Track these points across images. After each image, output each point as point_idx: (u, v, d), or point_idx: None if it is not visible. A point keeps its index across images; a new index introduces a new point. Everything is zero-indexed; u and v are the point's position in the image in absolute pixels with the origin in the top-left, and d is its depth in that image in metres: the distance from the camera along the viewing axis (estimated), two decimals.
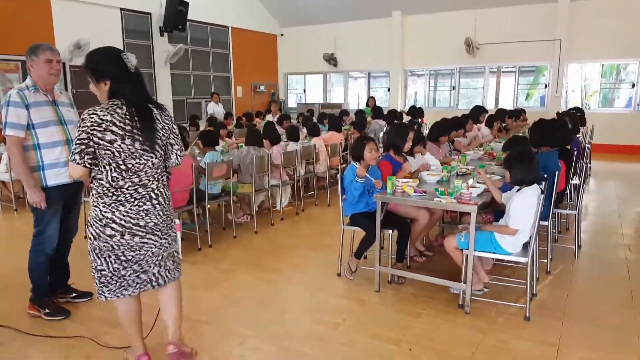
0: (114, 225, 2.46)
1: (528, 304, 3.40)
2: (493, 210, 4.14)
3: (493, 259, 3.98)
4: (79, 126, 2.36)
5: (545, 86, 13.48)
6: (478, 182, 3.86)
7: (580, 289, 3.98)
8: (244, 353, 3.02)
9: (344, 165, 7.67)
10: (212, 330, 3.33)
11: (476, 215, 3.37)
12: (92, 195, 2.48)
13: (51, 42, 9.67)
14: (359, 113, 10.40)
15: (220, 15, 13.84)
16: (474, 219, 3.35)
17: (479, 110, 7.74)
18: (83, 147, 2.34)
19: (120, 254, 2.51)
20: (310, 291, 3.96)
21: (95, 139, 2.34)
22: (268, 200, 6.24)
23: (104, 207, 2.45)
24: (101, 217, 2.45)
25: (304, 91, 17.17)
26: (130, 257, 2.54)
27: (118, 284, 2.58)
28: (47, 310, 3.45)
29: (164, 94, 12.31)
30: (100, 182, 2.44)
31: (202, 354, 3.00)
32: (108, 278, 2.55)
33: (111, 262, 2.53)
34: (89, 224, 2.53)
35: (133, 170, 2.45)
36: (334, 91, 16.67)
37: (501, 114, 8.55)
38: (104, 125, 2.34)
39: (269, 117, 10.92)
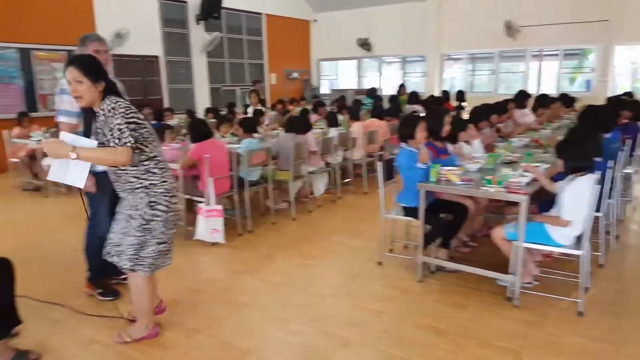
0: (175, 193, 2.81)
1: (582, 298, 3.28)
2: (538, 201, 3.99)
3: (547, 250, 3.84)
4: (114, 115, 2.49)
5: (592, 70, 12.95)
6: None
7: (636, 283, 3.81)
8: (285, 337, 3.04)
9: (382, 152, 7.58)
10: (254, 314, 3.36)
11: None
12: (151, 174, 2.67)
13: (92, 32, 9.93)
14: (393, 99, 10.25)
15: (254, 2, 13.84)
16: (524, 209, 3.24)
17: (522, 95, 7.48)
18: (128, 131, 2.51)
19: (172, 219, 2.83)
20: (349, 278, 3.95)
21: (135, 120, 2.57)
22: (305, 188, 6.23)
23: (168, 179, 2.74)
24: (169, 188, 2.74)
25: (337, 77, 17.02)
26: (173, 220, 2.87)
27: (168, 251, 2.88)
28: (100, 290, 3.57)
29: (201, 82, 12.44)
30: (155, 158, 2.69)
31: (245, 337, 3.04)
32: (167, 246, 2.84)
33: (169, 229, 2.81)
34: (153, 203, 2.68)
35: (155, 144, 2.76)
36: (366, 77, 16.47)
37: (545, 99, 8.21)
38: (133, 108, 2.60)
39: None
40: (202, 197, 4.63)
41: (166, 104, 11.46)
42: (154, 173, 2.69)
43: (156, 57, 11.37)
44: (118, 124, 2.49)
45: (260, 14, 14.24)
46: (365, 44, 15.26)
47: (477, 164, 4.20)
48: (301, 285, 3.85)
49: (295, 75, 15.75)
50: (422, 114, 9.01)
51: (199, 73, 12.39)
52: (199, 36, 12.17)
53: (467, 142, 4.86)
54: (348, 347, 2.91)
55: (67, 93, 3.16)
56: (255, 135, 5.79)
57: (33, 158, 7.24)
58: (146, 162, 2.66)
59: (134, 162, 2.60)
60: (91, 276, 3.60)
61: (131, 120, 2.54)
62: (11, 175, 7.76)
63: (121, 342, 2.94)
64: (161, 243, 2.78)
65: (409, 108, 9.17)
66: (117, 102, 2.54)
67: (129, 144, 2.51)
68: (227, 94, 13.41)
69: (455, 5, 13.84)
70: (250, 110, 9.06)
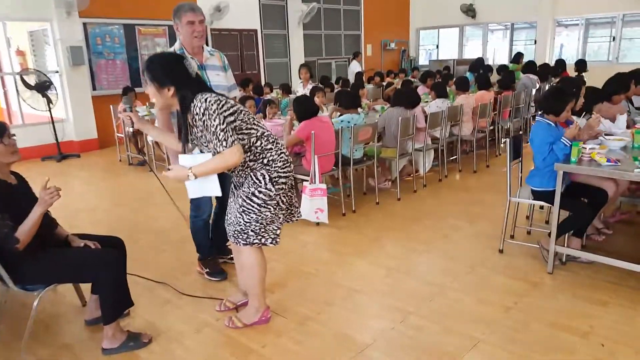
0: (290, 160, 2.70)
1: None
2: None
3: None
4: (210, 117, 2.32)
5: None
6: None
7: None
8: (406, 331, 2.79)
9: (492, 127, 7.00)
10: (368, 301, 3.16)
11: None
12: (267, 151, 2.56)
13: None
14: (503, 69, 9.43)
15: None
16: None
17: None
18: (230, 128, 2.37)
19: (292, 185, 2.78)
20: (469, 267, 3.60)
21: (230, 110, 2.41)
22: (410, 165, 5.89)
23: (283, 149, 2.63)
24: (287, 159, 2.63)
25: (437, 47, 16.15)
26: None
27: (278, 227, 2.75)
28: (207, 270, 3.54)
29: (297, 56, 12.32)
30: (264, 135, 2.57)
31: (361, 327, 2.84)
32: (289, 211, 2.80)
33: (290, 196, 2.77)
34: (276, 178, 2.57)
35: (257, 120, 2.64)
36: (467, 46, 15.45)
37: None
38: (223, 98, 2.43)
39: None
40: (306, 175, 4.48)
41: (263, 78, 11.51)
42: (270, 149, 2.56)
43: (254, 30, 11.39)
44: (218, 125, 2.33)
45: None
46: (469, 10, 14.26)
47: (620, 142, 3.64)
48: (416, 272, 3.59)
49: (392, 45, 15.15)
50: (538, 85, 8.30)
51: (295, 46, 12.28)
52: (295, 8, 11.99)
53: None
54: (477, 348, 2.60)
55: None
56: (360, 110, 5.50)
57: (139, 133, 7.47)
58: (258, 143, 2.53)
59: (246, 149, 2.49)
60: (201, 256, 3.58)
61: (227, 113, 2.37)
62: (117, 149, 8.07)
63: (233, 327, 2.85)
64: (284, 209, 2.73)
65: (523, 78, 8.35)
66: (207, 99, 2.33)
67: (236, 142, 2.37)
68: (323, 67, 13.22)
69: None
70: (299, 89, 7.89)
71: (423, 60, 15.85)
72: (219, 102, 2.36)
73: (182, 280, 3.52)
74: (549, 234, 3.53)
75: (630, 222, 4.35)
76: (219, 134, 2.34)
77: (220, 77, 3.29)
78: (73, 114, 8.59)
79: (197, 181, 2.50)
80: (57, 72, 8.43)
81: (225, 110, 2.37)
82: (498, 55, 14.80)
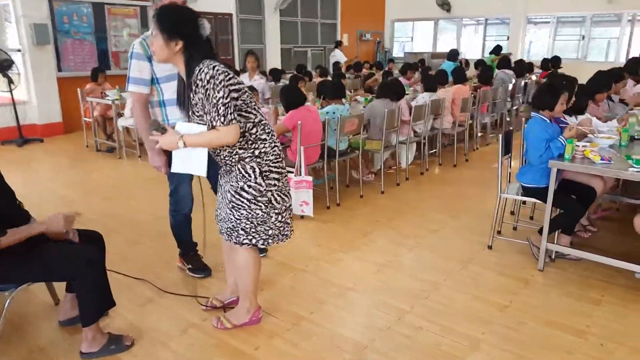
0: (283, 155, 2.52)
1: None
2: None
3: None
4: (215, 87, 2.12)
5: None
6: None
7: None
8: (403, 331, 2.70)
9: (471, 121, 6.99)
10: (361, 299, 3.05)
11: None
12: (261, 142, 2.36)
13: None
14: (481, 63, 9.47)
15: None
16: None
17: (637, 62, 6.58)
18: (232, 104, 2.19)
19: (287, 186, 2.56)
20: (460, 263, 3.55)
21: (236, 86, 2.24)
22: (392, 158, 5.82)
23: (277, 142, 2.44)
24: (279, 152, 2.45)
25: (412, 39, 16.15)
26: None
27: (287, 224, 2.58)
28: (189, 266, 3.35)
29: (273, 43, 12.05)
30: (261, 123, 2.37)
31: (357, 327, 2.73)
32: (287, 215, 2.57)
33: (285, 197, 2.54)
34: (267, 172, 2.39)
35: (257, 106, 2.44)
36: (440, 39, 15.50)
37: None
38: (230, 70, 2.23)
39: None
40: (290, 166, 4.32)
41: (237, 64, 11.21)
42: (264, 140, 2.36)
43: (230, 14, 11.05)
44: (221, 98, 2.14)
45: None
46: (445, 4, 14.30)
47: (609, 140, 3.64)
48: (407, 269, 3.50)
49: (368, 36, 15.04)
50: (514, 81, 8.36)
51: (270, 33, 11.99)
52: None
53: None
54: (479, 349, 2.54)
55: (137, 57, 2.80)
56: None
57: (107, 117, 7.16)
58: (253, 130, 2.33)
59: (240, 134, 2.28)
60: (182, 251, 3.38)
61: (232, 88, 2.20)
62: (85, 135, 7.66)
63: (222, 328, 2.68)
64: (280, 213, 2.48)
65: (499, 73, 8.40)
66: (215, 67, 2.15)
67: (234, 122, 2.19)
68: (298, 55, 12.99)
69: None
70: (245, 79, 6.68)
71: (397, 52, 15.83)
72: (226, 73, 2.18)
73: (164, 277, 3.32)
74: (539, 231, 3.52)
75: (610, 219, 4.40)
76: (220, 108, 2.15)
77: None
78: (36, 95, 8.09)
79: (185, 153, 2.30)
80: (19, 50, 7.92)
81: (231, 85, 2.19)
82: (472, 50, 14.90)
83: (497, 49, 10.69)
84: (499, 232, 4.03)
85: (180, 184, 3.09)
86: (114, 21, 9.02)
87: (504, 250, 3.73)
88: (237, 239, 2.47)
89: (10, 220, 2.24)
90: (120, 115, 6.67)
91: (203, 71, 2.14)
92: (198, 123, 2.27)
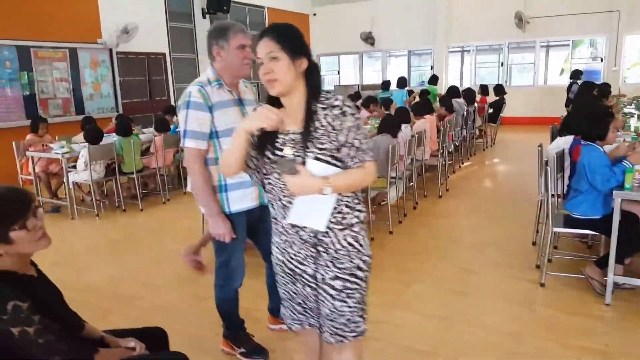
0: None
1: None
2: None
3: None
4: (356, 119, 1.70)
5: (601, 60, 12.87)
6: None
7: None
8: None
9: (441, 150, 6.98)
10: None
11: None
12: (358, 201, 1.83)
13: (97, 26, 8.89)
14: (425, 93, 9.67)
15: None
16: None
17: (590, 87, 7.02)
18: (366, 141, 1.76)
19: None
20: (521, 305, 3.32)
21: None
22: (380, 193, 5.57)
23: None
24: None
25: (338, 72, 16.35)
26: None
27: None
28: (242, 350, 2.78)
29: None
30: None
31: None
32: None
33: None
34: (368, 256, 1.85)
35: None
36: (366, 71, 15.86)
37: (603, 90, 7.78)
38: None
39: None
40: None
41: (174, 102, 10.50)
42: (360, 200, 1.86)
43: (163, 54, 10.38)
44: (363, 132, 1.71)
45: (263, 7, 13.39)
46: (369, 38, 14.66)
47: None
48: (473, 320, 3.16)
49: None
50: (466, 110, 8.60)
51: (205, 71, 11.42)
52: (205, 31, 11.21)
53: None
54: None
55: (196, 107, 2.34)
56: None
57: (51, 173, 6.23)
58: None
59: None
60: (230, 332, 2.82)
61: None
62: None
63: None
64: None
65: (453, 103, 8.59)
66: (337, 99, 1.72)
67: (373, 158, 1.75)
68: None
69: None
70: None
71: (327, 86, 15.89)
72: (353, 107, 1.78)
73: None
74: (596, 262, 3.41)
75: None
76: (363, 142, 1.71)
77: None
78: None
79: (311, 201, 1.72)
80: None
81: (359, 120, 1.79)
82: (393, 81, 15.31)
83: (434, 79, 11.05)
84: (537, 267, 3.88)
85: (233, 254, 2.57)
86: (41, 65, 8.05)
87: (555, 286, 3.56)
88: (355, 330, 1.87)
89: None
90: (70, 169, 5.80)
91: (333, 104, 1.70)
92: (328, 162, 1.73)
